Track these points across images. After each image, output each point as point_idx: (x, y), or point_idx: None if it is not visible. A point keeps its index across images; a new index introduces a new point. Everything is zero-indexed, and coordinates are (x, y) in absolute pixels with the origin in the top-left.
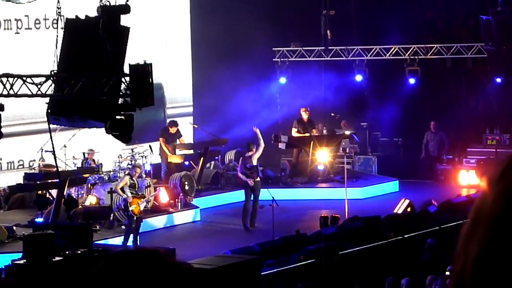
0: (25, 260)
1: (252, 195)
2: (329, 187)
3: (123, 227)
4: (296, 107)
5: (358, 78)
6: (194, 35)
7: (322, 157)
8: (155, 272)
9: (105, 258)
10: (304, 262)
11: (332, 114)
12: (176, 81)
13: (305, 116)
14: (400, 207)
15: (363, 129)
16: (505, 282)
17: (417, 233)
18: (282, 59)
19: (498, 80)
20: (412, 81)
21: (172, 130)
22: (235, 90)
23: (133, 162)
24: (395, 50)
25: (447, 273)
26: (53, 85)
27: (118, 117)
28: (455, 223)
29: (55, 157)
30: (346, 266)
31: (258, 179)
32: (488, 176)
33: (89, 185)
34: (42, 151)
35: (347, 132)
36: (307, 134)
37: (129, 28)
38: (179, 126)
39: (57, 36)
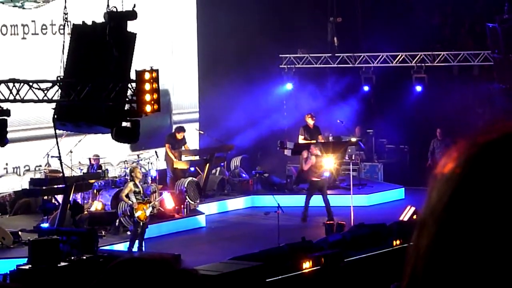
0: (30, 265)
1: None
2: (334, 194)
3: (128, 232)
4: (303, 114)
5: (365, 88)
6: (201, 41)
7: (328, 164)
8: (161, 278)
9: (111, 265)
10: (309, 269)
11: (338, 121)
12: (182, 87)
13: (311, 122)
14: (406, 215)
15: (369, 136)
16: (455, 273)
17: None
18: (288, 66)
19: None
20: (418, 88)
21: (179, 136)
22: (241, 97)
23: (131, 167)
24: (402, 57)
25: None
26: (59, 90)
27: (124, 123)
28: None
29: (61, 163)
30: (352, 273)
31: (320, 178)
32: (436, 169)
33: (95, 191)
34: (48, 157)
35: (354, 139)
36: (313, 141)
37: (136, 34)
38: (185, 132)
39: (63, 41)
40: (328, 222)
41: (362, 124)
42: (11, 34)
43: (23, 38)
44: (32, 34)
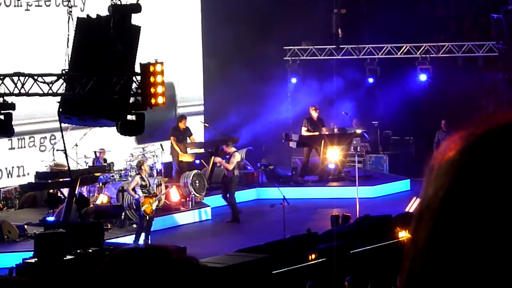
0: (36, 259)
1: None
2: (340, 186)
3: (134, 225)
4: (307, 106)
5: (370, 80)
6: (205, 34)
7: (333, 155)
8: (160, 268)
9: (109, 256)
10: (315, 261)
11: (343, 113)
12: (187, 80)
13: (314, 114)
14: (412, 206)
15: (374, 128)
16: (453, 268)
17: None
18: (293, 58)
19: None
20: (423, 79)
21: (182, 125)
22: (246, 89)
23: (138, 160)
24: (407, 48)
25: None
26: (64, 84)
27: (129, 117)
28: None
29: (66, 156)
30: (357, 265)
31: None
32: (433, 161)
33: (101, 184)
34: (53, 150)
35: (358, 131)
36: (316, 133)
37: (140, 27)
38: (190, 125)
39: (68, 34)
40: (334, 214)
41: (366, 116)
42: (15, 6)
43: (27, 9)
44: (36, 6)
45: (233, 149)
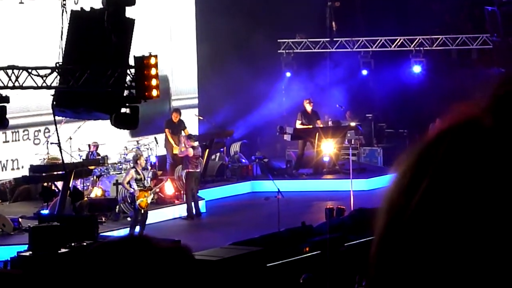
0: (31, 252)
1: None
2: (334, 178)
3: (128, 219)
4: (302, 99)
5: (364, 72)
6: (199, 27)
7: (327, 148)
8: (141, 257)
9: (90, 249)
10: (309, 254)
11: (337, 105)
12: (181, 73)
13: (309, 107)
14: None
15: (369, 120)
16: (403, 273)
17: None
18: (287, 51)
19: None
20: (417, 71)
21: (175, 118)
22: (240, 82)
23: (134, 153)
24: (401, 41)
25: None
26: (58, 77)
27: (123, 110)
28: None
29: (60, 149)
30: (352, 258)
31: (195, 170)
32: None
33: (95, 177)
34: (47, 143)
35: (353, 124)
36: (310, 126)
37: (134, 20)
38: (185, 118)
39: (62, 28)
40: (329, 207)
41: (360, 108)
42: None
43: (21, 2)
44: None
45: (195, 144)
